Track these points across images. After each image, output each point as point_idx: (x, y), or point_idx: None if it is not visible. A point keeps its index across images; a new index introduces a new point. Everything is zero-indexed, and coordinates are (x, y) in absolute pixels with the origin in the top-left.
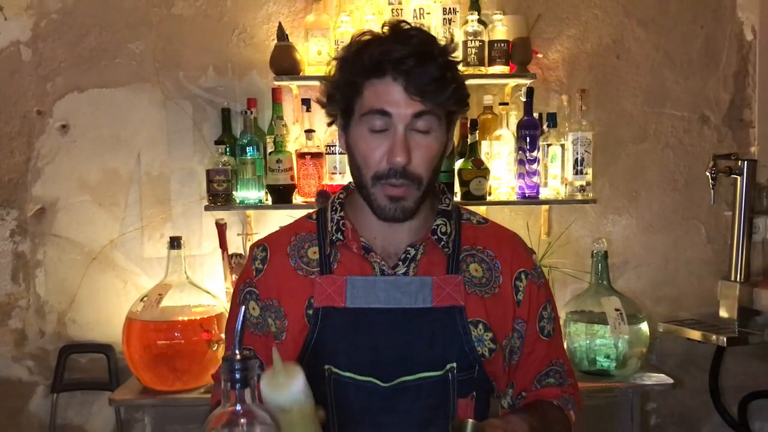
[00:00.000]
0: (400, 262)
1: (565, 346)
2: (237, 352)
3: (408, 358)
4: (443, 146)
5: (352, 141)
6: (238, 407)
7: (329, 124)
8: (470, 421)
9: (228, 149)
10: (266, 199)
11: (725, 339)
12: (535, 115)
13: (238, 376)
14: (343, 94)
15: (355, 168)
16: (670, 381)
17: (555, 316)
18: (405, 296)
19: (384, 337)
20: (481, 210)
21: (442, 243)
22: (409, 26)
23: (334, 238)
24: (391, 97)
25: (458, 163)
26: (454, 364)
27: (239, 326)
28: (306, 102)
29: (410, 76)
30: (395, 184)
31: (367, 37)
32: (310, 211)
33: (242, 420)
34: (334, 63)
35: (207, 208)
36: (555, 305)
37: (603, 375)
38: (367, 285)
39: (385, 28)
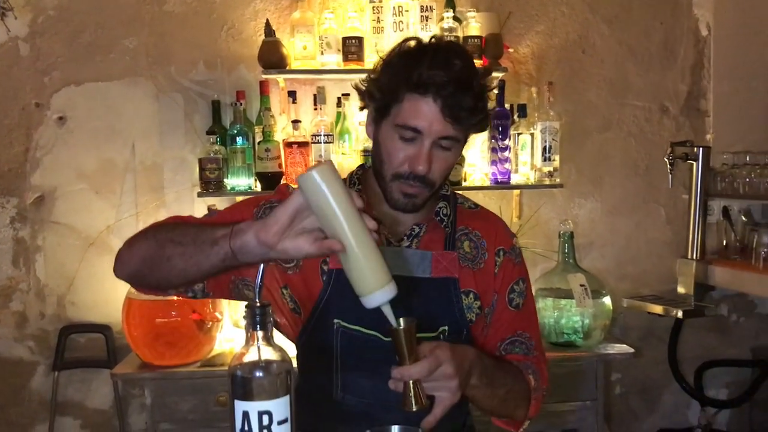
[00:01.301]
0: (405, 237)
1: None
2: (257, 300)
3: None
4: (458, 158)
5: (382, 137)
6: (258, 345)
7: (361, 109)
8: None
9: (219, 139)
10: (256, 186)
11: (682, 312)
12: (507, 106)
13: (258, 320)
14: (384, 96)
15: (379, 160)
16: (631, 350)
17: (528, 294)
18: (408, 266)
19: None
20: None
21: (444, 223)
22: (451, 43)
23: None
24: (426, 115)
25: None
26: (446, 328)
27: (259, 278)
28: (292, 94)
29: (448, 100)
30: (412, 185)
31: (413, 44)
32: None
33: (261, 356)
34: (380, 61)
35: (200, 195)
36: (530, 286)
37: (569, 346)
38: None
39: (433, 40)
